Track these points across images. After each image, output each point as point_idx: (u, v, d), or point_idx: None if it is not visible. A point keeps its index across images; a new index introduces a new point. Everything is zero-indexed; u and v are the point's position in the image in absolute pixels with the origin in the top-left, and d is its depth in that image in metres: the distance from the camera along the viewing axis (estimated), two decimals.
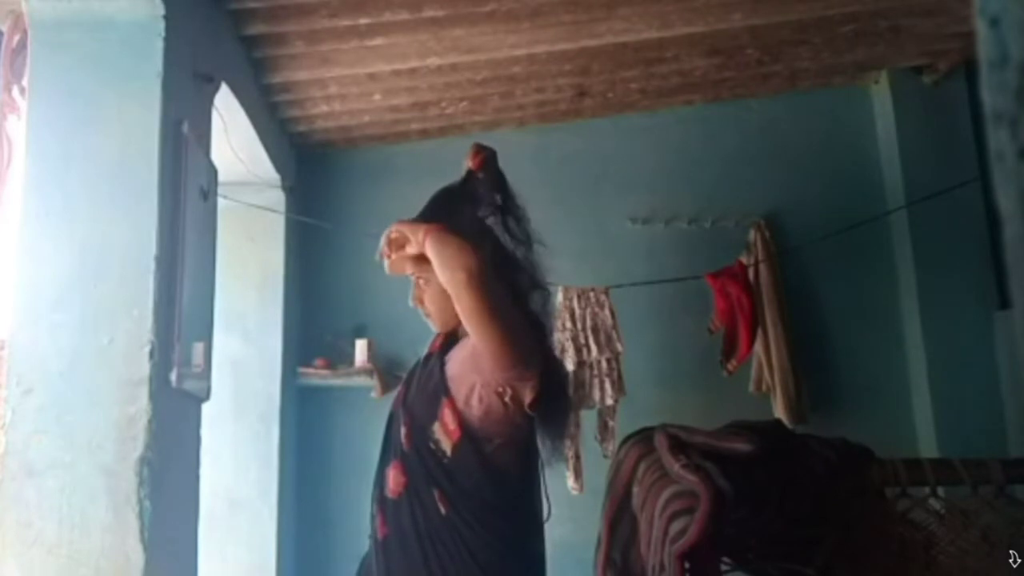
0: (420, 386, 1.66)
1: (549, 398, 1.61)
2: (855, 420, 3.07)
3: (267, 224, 3.11)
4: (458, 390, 1.58)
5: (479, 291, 1.48)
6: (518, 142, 3.49)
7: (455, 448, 1.55)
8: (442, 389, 1.59)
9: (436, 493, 1.54)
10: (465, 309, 1.51)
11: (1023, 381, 2.49)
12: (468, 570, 1.51)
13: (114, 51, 1.84)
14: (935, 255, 3.24)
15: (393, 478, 1.61)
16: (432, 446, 1.57)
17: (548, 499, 1.68)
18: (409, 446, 1.59)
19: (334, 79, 2.86)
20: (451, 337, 1.71)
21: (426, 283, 1.67)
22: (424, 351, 1.78)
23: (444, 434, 1.56)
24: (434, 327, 1.74)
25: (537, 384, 1.58)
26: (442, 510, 1.53)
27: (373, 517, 1.65)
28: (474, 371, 1.57)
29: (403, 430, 1.62)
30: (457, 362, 1.61)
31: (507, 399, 1.56)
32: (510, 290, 1.62)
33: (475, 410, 1.56)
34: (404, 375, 1.81)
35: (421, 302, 1.71)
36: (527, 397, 1.57)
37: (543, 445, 1.66)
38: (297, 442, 3.24)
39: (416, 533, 1.54)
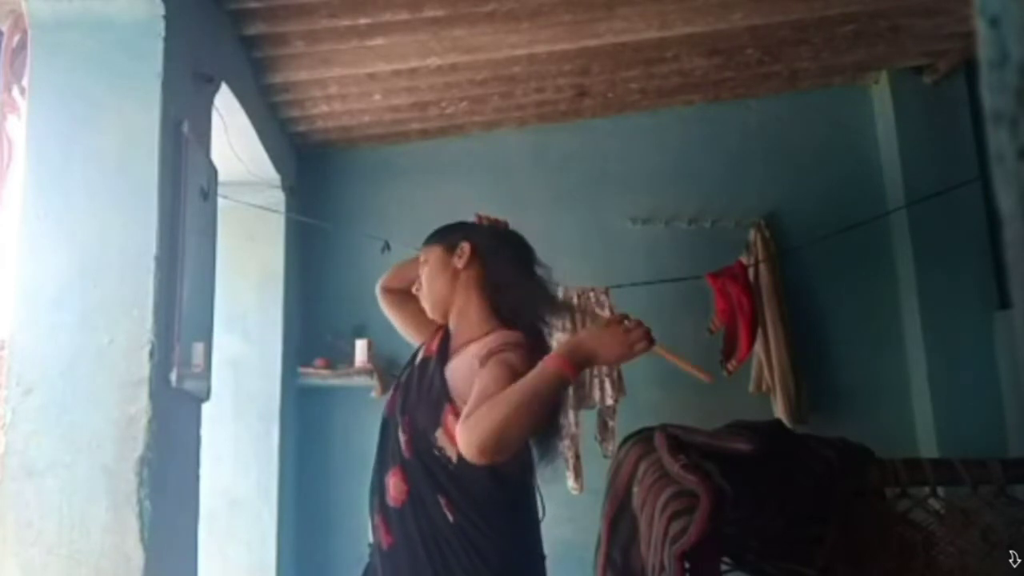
0: (420, 393, 1.63)
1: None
2: (855, 420, 3.07)
3: (267, 224, 3.10)
4: (460, 399, 1.55)
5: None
6: (518, 142, 3.49)
7: (460, 454, 1.54)
8: (444, 396, 1.57)
9: (443, 500, 1.52)
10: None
11: (1023, 381, 2.48)
12: (479, 575, 1.50)
13: (114, 51, 1.84)
14: (935, 255, 3.24)
15: (394, 486, 1.58)
16: (436, 453, 1.55)
17: (542, 498, 1.68)
18: (411, 454, 1.57)
19: (334, 79, 2.86)
20: (446, 339, 1.69)
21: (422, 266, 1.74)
22: (418, 352, 1.76)
23: (448, 441, 1.53)
24: (428, 312, 1.75)
25: None
26: (450, 517, 1.51)
27: (375, 527, 1.62)
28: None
29: (403, 437, 1.59)
30: (459, 378, 1.58)
31: None
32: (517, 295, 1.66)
33: None
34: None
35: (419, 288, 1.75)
36: None
37: (536, 444, 1.64)
38: (297, 442, 3.24)
39: (423, 541, 1.52)
